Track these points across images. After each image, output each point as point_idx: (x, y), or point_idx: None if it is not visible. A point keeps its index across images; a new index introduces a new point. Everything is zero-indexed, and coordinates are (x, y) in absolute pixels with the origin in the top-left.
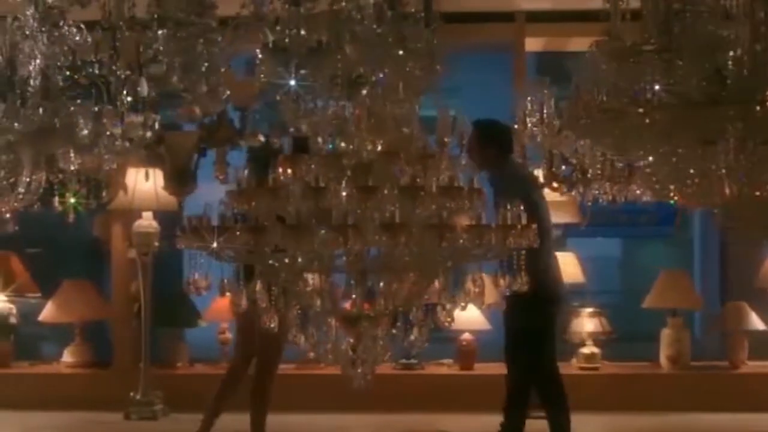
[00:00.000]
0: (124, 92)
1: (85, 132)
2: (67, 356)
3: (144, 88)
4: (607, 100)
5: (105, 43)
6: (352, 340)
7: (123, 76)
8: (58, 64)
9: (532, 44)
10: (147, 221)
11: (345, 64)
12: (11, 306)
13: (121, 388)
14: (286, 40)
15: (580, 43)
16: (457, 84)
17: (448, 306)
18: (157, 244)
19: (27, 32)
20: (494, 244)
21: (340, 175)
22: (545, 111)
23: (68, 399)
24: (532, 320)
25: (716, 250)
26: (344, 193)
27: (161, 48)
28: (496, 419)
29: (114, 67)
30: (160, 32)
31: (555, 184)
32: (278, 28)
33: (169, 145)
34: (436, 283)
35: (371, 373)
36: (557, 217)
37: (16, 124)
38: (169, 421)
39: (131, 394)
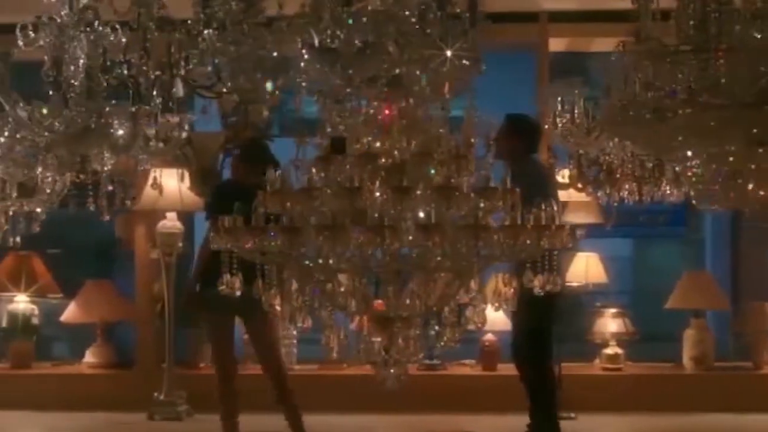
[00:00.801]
0: (154, 93)
1: (121, 132)
2: (89, 357)
3: (180, 89)
4: (646, 100)
5: (135, 43)
6: (384, 341)
7: (153, 77)
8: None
9: (555, 44)
10: (171, 221)
11: (390, 64)
12: (33, 307)
13: (143, 388)
14: (334, 41)
15: (602, 44)
16: (473, 83)
17: (480, 306)
18: (180, 244)
19: (71, 32)
20: (529, 244)
21: (374, 175)
22: (576, 111)
23: (90, 399)
24: (546, 319)
25: (728, 251)
26: (377, 194)
27: (208, 48)
28: (520, 420)
29: (145, 68)
30: (207, 32)
31: (580, 185)
32: (327, 29)
33: (196, 145)
34: (472, 284)
35: (404, 374)
36: (580, 218)
37: (57, 124)
38: (192, 421)
39: (155, 394)
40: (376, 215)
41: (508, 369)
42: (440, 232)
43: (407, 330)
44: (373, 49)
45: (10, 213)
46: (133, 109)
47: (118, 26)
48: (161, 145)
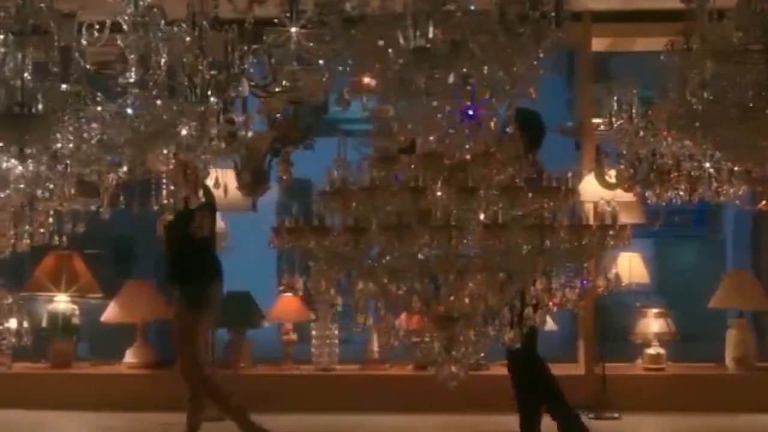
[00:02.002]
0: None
1: (184, 132)
2: (129, 357)
3: (246, 88)
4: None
5: (191, 42)
6: (445, 341)
7: (208, 76)
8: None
9: (597, 44)
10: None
11: (476, 63)
12: (74, 306)
13: (181, 388)
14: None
15: (646, 44)
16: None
17: (543, 307)
18: (224, 244)
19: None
20: (593, 244)
21: (436, 175)
22: (633, 111)
23: (130, 399)
24: None
25: (748, 250)
26: (439, 193)
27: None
28: None
29: (200, 67)
30: (293, 30)
31: (629, 185)
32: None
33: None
34: (537, 284)
35: (465, 374)
36: (622, 218)
37: (137, 123)
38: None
39: None
40: (443, 215)
41: (552, 368)
42: (506, 231)
43: (468, 330)
44: (461, 49)
45: (51, 212)
46: (202, 109)
47: (184, 25)
48: (223, 145)
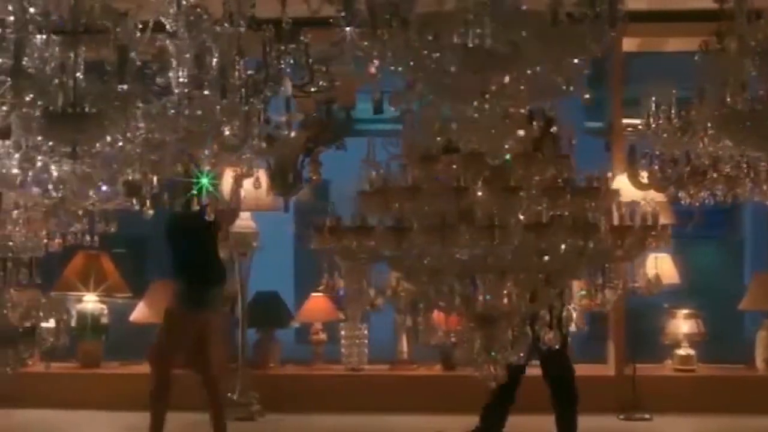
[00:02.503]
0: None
1: (227, 132)
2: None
3: (288, 88)
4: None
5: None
6: (484, 341)
7: (245, 76)
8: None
9: (627, 45)
10: (246, 221)
11: (528, 64)
12: (103, 306)
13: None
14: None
15: (678, 44)
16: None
17: (577, 307)
18: (255, 244)
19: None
20: (635, 244)
21: (477, 175)
22: (672, 111)
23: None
24: None
25: (766, 251)
26: (480, 193)
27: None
28: (595, 421)
29: (238, 67)
30: (349, 29)
31: (663, 185)
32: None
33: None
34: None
35: (504, 374)
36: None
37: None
38: (266, 422)
39: (228, 394)
40: (486, 215)
41: (581, 369)
42: (549, 232)
43: (508, 330)
44: (514, 50)
45: (80, 212)
46: (246, 108)
47: (227, 24)
48: (263, 144)
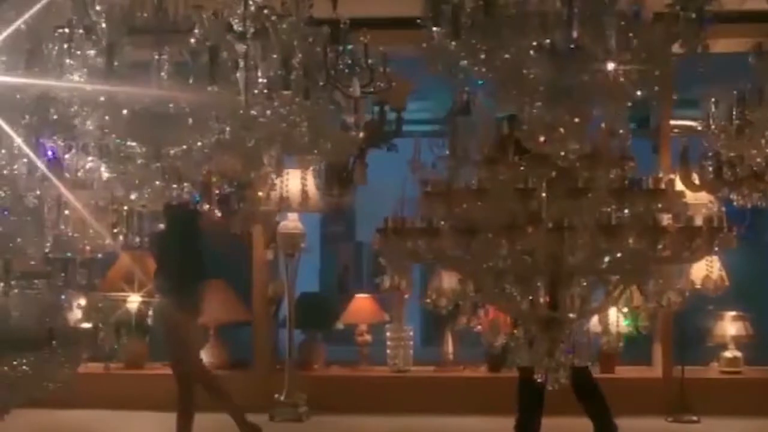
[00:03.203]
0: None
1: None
2: (203, 357)
3: (357, 89)
4: None
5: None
6: (549, 343)
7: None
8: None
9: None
10: (293, 222)
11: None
12: (147, 307)
13: (257, 389)
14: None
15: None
16: None
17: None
18: (303, 245)
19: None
20: (703, 246)
21: (543, 176)
22: (734, 113)
23: (204, 400)
24: None
25: None
26: (544, 194)
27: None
28: (643, 423)
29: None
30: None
31: (716, 187)
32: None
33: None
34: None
35: (567, 377)
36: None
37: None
38: (313, 423)
39: (275, 395)
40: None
41: (625, 371)
42: (621, 233)
43: (571, 333)
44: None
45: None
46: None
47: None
48: (328, 145)
